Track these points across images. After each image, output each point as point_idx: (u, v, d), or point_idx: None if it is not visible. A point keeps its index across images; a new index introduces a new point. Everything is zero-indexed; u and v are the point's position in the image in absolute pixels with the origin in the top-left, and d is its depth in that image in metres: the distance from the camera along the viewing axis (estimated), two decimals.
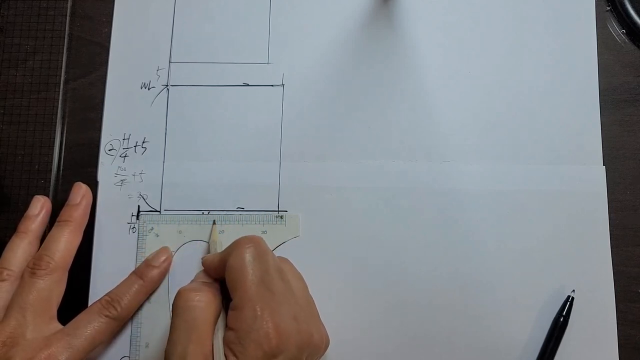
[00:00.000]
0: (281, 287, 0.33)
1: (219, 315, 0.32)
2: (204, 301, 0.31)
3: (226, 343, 0.31)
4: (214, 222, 0.39)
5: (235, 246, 0.33)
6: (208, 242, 0.39)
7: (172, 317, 0.31)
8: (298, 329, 0.31)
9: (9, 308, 0.35)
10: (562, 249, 0.39)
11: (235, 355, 0.30)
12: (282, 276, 0.33)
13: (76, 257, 0.38)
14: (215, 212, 0.40)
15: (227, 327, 0.31)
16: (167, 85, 0.41)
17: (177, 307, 0.31)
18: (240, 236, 0.34)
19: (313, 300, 0.36)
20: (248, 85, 0.41)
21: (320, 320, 0.35)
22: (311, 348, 0.32)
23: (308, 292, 0.36)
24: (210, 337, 0.31)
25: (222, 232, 0.39)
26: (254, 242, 0.33)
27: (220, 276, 0.34)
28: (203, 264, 0.35)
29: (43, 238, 0.38)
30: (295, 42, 0.42)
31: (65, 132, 0.41)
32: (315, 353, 0.33)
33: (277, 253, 0.39)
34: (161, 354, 0.38)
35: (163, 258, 0.38)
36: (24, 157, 0.41)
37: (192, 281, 0.35)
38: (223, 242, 0.38)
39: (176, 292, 0.32)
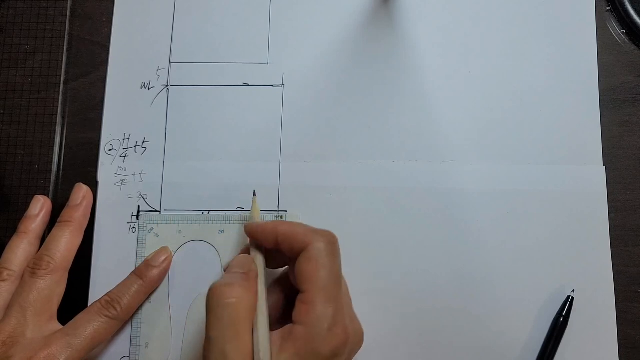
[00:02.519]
0: (345, 287, 0.33)
1: (255, 308, 0.31)
2: (237, 297, 0.30)
3: (286, 336, 0.30)
4: (255, 193, 0.39)
5: (313, 234, 0.32)
6: (250, 214, 0.38)
7: (207, 315, 0.30)
8: (355, 331, 0.32)
9: (9, 308, 0.35)
10: (562, 249, 0.39)
11: (298, 349, 0.29)
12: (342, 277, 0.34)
13: (76, 257, 0.38)
14: (215, 212, 0.40)
15: (294, 320, 0.30)
16: (167, 85, 0.41)
17: (211, 304, 0.30)
18: (239, 235, 0.34)
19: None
20: (248, 85, 0.41)
21: (358, 321, 0.35)
22: (356, 348, 0.33)
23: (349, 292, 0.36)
24: (249, 334, 0.30)
25: (221, 232, 0.39)
26: (332, 238, 0.32)
27: (268, 245, 0.33)
28: (249, 228, 0.34)
29: (43, 238, 0.38)
30: (295, 42, 0.42)
31: (65, 132, 0.41)
32: (357, 350, 0.34)
33: None
34: (161, 354, 0.38)
35: (163, 258, 0.38)
36: (24, 157, 0.41)
37: (227, 270, 0.33)
38: (222, 243, 0.38)
39: (209, 288, 0.31)
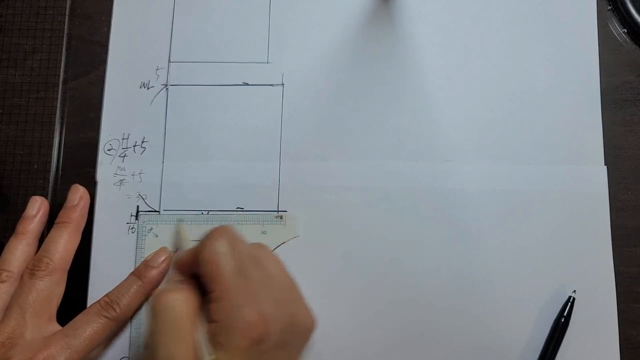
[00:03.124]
0: (257, 273, 0.32)
1: (197, 311, 0.32)
2: (182, 299, 0.31)
3: (210, 336, 0.30)
4: (181, 221, 0.39)
5: (208, 239, 0.32)
6: (174, 240, 0.39)
7: (151, 321, 0.31)
8: (280, 313, 0.31)
9: (8, 309, 0.35)
10: (563, 249, 0.39)
11: (222, 346, 0.30)
12: (257, 262, 0.33)
13: (75, 258, 0.38)
14: (214, 212, 0.39)
15: (208, 320, 0.31)
16: (166, 85, 0.41)
17: (155, 309, 0.31)
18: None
19: (294, 283, 0.35)
20: (248, 84, 0.41)
21: (303, 301, 0.35)
22: (296, 329, 0.32)
23: (287, 274, 0.35)
24: (192, 335, 0.30)
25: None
26: (225, 232, 0.33)
27: (193, 271, 0.33)
28: (174, 264, 0.35)
29: (42, 238, 0.38)
30: (295, 42, 0.42)
31: (64, 131, 0.41)
32: (301, 335, 0.33)
33: (276, 253, 0.38)
34: None
35: (162, 258, 0.38)
36: (23, 157, 0.41)
37: (166, 282, 0.35)
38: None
39: (152, 295, 0.32)
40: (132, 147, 0.41)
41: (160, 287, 0.34)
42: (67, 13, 0.43)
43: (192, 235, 0.38)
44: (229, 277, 0.31)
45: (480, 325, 0.38)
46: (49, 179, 0.41)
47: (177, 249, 0.38)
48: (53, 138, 0.41)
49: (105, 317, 0.35)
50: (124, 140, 0.41)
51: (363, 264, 0.39)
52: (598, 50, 0.41)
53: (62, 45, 0.42)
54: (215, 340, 0.30)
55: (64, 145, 0.41)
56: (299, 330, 0.33)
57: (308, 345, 0.34)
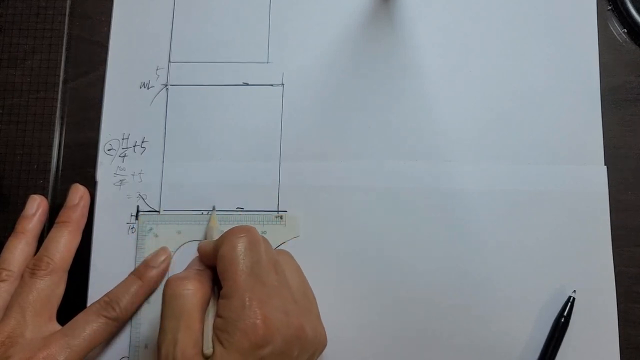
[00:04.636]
0: (274, 279, 0.32)
1: (208, 302, 0.33)
2: (192, 289, 0.32)
3: (215, 330, 0.31)
4: (214, 208, 0.39)
5: (228, 235, 0.33)
6: (205, 229, 0.39)
7: (162, 306, 0.32)
8: (288, 322, 0.31)
9: (8, 308, 0.35)
10: (563, 249, 0.38)
11: (221, 343, 0.30)
12: (277, 268, 0.33)
13: (75, 258, 0.38)
14: (214, 212, 0.39)
15: (216, 314, 0.31)
16: (166, 85, 0.41)
17: (166, 295, 0.32)
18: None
19: (313, 298, 0.36)
20: (248, 84, 0.41)
21: (318, 318, 0.35)
22: (302, 343, 0.32)
23: (307, 288, 0.36)
24: (199, 324, 0.31)
25: (221, 232, 0.39)
26: (247, 231, 0.33)
27: (213, 264, 0.33)
28: (198, 250, 0.35)
29: (41, 237, 0.38)
30: (295, 42, 0.42)
31: (64, 131, 0.41)
32: (309, 350, 0.33)
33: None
34: None
35: (162, 258, 0.38)
36: (23, 157, 0.41)
37: (186, 267, 0.35)
38: (218, 233, 0.38)
39: (165, 281, 0.33)
40: (132, 147, 0.41)
41: (180, 272, 0.34)
42: (67, 13, 0.43)
43: (223, 227, 0.38)
44: (241, 276, 0.31)
45: (480, 325, 0.38)
46: (49, 179, 0.41)
47: (206, 237, 0.39)
48: (53, 138, 0.41)
49: (105, 316, 0.35)
50: (124, 140, 0.41)
51: (363, 264, 0.39)
52: (598, 50, 0.41)
53: (62, 45, 0.42)
54: (218, 336, 0.30)
55: (64, 145, 0.41)
56: (303, 345, 0.32)
57: None
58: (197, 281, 0.32)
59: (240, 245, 0.32)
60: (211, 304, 0.33)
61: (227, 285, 0.31)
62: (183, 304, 0.31)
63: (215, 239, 0.34)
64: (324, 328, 0.35)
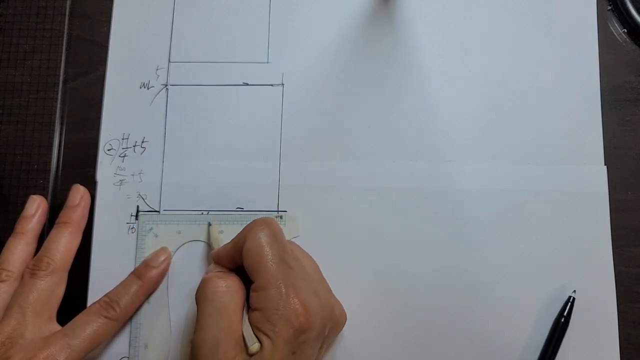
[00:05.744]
0: (297, 264, 0.33)
1: (244, 298, 0.32)
2: (232, 287, 0.32)
3: (254, 324, 0.31)
4: (210, 224, 0.39)
5: (250, 229, 0.33)
6: (208, 243, 0.39)
7: (200, 305, 0.31)
8: (321, 304, 0.32)
9: (8, 308, 0.35)
10: (563, 249, 0.38)
11: (266, 334, 0.30)
12: (294, 255, 0.34)
13: (75, 258, 0.38)
14: (214, 212, 0.39)
15: (250, 309, 0.31)
16: (166, 85, 0.41)
17: (204, 294, 0.31)
18: None
19: (325, 279, 0.37)
20: (248, 84, 0.41)
21: (334, 296, 0.36)
22: (333, 322, 0.33)
23: (319, 271, 0.37)
24: (240, 324, 0.31)
25: (221, 232, 0.39)
26: (268, 223, 0.33)
27: (235, 264, 0.34)
28: (214, 257, 0.35)
29: (41, 238, 0.38)
30: (295, 42, 0.42)
31: (64, 131, 0.41)
32: (336, 327, 0.34)
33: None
34: (160, 354, 0.38)
35: (162, 258, 0.38)
36: (23, 157, 0.41)
37: (206, 272, 0.35)
38: (222, 243, 0.38)
39: (202, 279, 0.32)
40: (132, 147, 0.41)
41: (205, 274, 0.34)
42: (67, 13, 0.43)
43: (223, 227, 0.39)
44: (272, 265, 0.31)
45: (480, 325, 0.38)
46: (49, 179, 0.41)
47: (212, 248, 0.39)
48: (53, 138, 0.41)
49: (105, 316, 0.35)
50: (124, 140, 0.41)
51: (363, 264, 0.39)
52: (598, 51, 0.41)
53: (62, 45, 0.42)
54: (260, 328, 0.30)
55: (64, 145, 0.41)
56: (334, 323, 0.33)
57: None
58: (235, 279, 0.33)
59: (265, 237, 0.32)
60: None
61: (259, 277, 0.31)
62: (224, 302, 0.31)
63: (227, 243, 0.35)
64: (341, 303, 0.36)
